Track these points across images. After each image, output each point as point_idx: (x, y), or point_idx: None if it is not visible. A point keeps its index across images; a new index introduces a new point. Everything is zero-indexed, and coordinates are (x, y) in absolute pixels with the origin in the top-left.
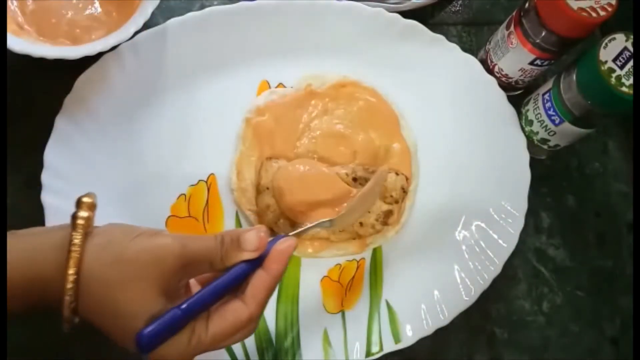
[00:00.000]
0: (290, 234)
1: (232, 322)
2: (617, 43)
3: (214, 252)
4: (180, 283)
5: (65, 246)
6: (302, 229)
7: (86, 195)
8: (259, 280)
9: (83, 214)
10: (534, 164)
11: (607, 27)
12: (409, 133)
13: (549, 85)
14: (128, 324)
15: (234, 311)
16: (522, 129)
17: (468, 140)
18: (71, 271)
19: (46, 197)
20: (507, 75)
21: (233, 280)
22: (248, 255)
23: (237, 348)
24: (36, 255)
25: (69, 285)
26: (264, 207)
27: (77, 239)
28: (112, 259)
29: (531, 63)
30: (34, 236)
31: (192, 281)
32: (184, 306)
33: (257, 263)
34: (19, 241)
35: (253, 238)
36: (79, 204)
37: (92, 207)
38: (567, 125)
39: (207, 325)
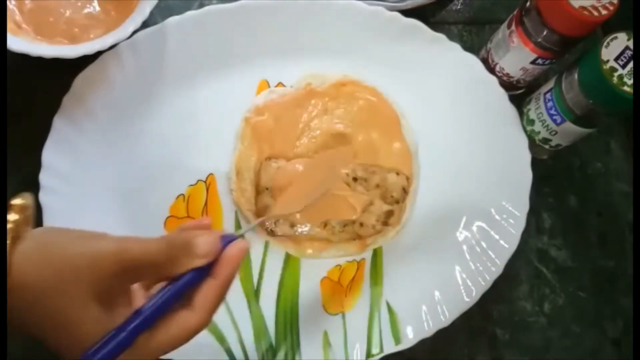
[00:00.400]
0: (240, 232)
1: (178, 333)
2: (619, 42)
3: (158, 258)
4: (123, 287)
5: None
6: (251, 226)
7: (18, 196)
8: (208, 288)
9: (12, 217)
10: (535, 163)
11: (608, 26)
12: (410, 133)
13: (550, 84)
14: (61, 330)
15: (181, 321)
16: (524, 128)
17: (469, 139)
18: None
19: (44, 198)
20: (508, 74)
21: (182, 290)
22: (200, 262)
23: (236, 348)
24: None
25: None
26: (263, 208)
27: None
28: (46, 262)
29: (533, 62)
30: None
31: (136, 285)
32: (130, 327)
33: (208, 268)
34: None
35: (205, 243)
36: (8, 206)
37: (24, 209)
38: (568, 125)
39: (150, 335)
